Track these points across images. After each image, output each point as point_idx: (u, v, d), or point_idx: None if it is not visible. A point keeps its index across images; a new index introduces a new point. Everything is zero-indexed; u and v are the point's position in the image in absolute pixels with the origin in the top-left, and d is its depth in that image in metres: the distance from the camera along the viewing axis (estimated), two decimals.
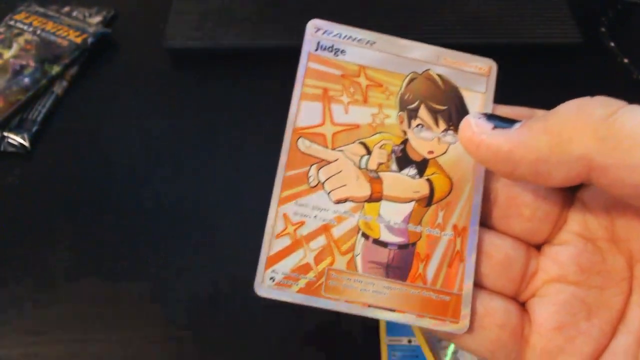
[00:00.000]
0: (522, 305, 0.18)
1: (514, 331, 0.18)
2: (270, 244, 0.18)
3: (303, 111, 0.19)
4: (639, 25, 0.48)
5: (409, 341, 0.29)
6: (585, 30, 0.44)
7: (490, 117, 0.17)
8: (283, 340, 0.30)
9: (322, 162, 0.19)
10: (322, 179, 0.19)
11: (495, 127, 0.16)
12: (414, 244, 0.19)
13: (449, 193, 0.19)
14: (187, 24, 0.45)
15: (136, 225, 0.35)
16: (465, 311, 0.18)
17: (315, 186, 0.18)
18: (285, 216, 0.18)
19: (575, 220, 0.18)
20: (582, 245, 0.18)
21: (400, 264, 0.18)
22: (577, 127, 0.14)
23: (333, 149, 0.19)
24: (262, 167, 0.39)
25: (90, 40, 0.44)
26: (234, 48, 0.44)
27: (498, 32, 0.45)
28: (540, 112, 0.18)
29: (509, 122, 0.16)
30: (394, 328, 0.30)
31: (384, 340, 0.30)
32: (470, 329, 0.18)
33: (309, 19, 0.20)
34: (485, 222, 0.19)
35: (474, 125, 0.17)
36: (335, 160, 0.19)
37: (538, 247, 0.19)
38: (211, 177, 0.37)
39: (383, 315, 0.18)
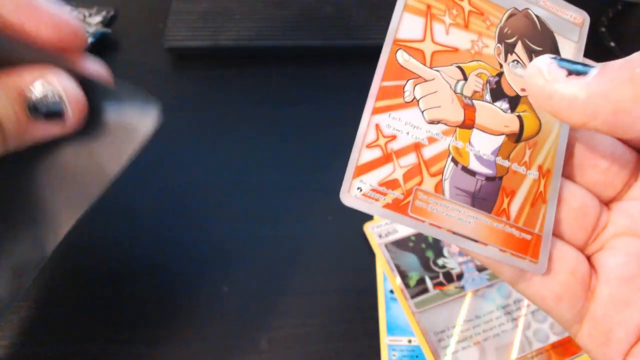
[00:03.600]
0: (588, 259, 0.18)
1: (583, 279, 0.17)
2: (360, 153, 0.17)
3: (405, 23, 0.18)
4: (639, 25, 0.48)
5: (409, 341, 0.29)
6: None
7: (563, 60, 0.16)
8: (283, 340, 0.30)
9: (419, 79, 0.18)
10: (418, 95, 0.18)
11: (569, 73, 0.15)
12: (500, 178, 0.18)
13: (537, 133, 0.19)
14: (187, 24, 0.45)
15: (136, 222, 0.35)
16: (545, 252, 0.18)
17: (410, 102, 0.18)
18: (377, 127, 0.18)
19: None
20: None
21: (486, 195, 0.18)
22: None
23: (431, 67, 0.18)
24: (262, 167, 0.39)
25: (90, 40, 0.44)
26: (234, 48, 0.44)
27: None
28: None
29: (584, 67, 0.15)
30: (394, 328, 0.30)
31: (384, 340, 0.30)
32: (546, 270, 0.18)
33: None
34: (562, 169, 0.19)
35: (546, 72, 0.15)
36: (433, 79, 0.18)
37: (607, 204, 0.19)
38: (211, 177, 0.37)
39: (466, 245, 0.18)
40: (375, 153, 0.18)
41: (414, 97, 0.18)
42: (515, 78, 0.19)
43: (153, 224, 0.35)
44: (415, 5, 0.19)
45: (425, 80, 0.18)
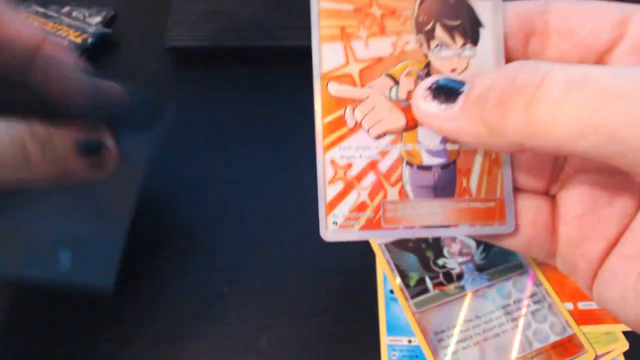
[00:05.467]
0: (553, 198, 0.20)
1: (545, 225, 0.19)
2: (325, 191, 0.19)
3: (325, 54, 0.19)
4: None
5: (409, 341, 0.29)
6: None
7: (438, 89, 0.17)
8: (283, 340, 0.30)
9: (355, 102, 0.19)
10: (359, 118, 0.19)
11: (441, 102, 0.17)
12: (454, 162, 0.19)
13: None
14: (187, 24, 0.45)
15: (135, 221, 0.35)
16: (510, 211, 0.19)
17: (354, 127, 0.19)
18: (332, 162, 0.19)
19: None
20: None
21: (445, 182, 0.19)
22: (506, 117, 0.15)
23: (362, 86, 0.19)
24: (263, 166, 0.39)
25: (90, 40, 0.44)
26: (234, 48, 0.44)
27: None
28: (554, 5, 0.18)
29: (455, 92, 0.17)
30: (394, 328, 0.30)
31: (384, 340, 0.30)
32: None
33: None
34: None
35: (422, 108, 0.18)
36: (367, 97, 0.19)
37: None
38: (210, 176, 0.37)
39: (439, 233, 0.19)
40: (338, 186, 0.19)
41: (356, 121, 0.19)
42: (443, 61, 0.19)
43: (152, 223, 0.35)
44: (330, 33, 0.19)
45: (361, 101, 0.19)
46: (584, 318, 0.30)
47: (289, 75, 0.44)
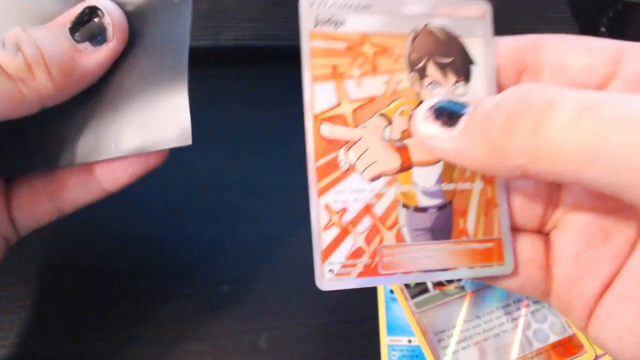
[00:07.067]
0: (547, 236, 0.19)
1: (540, 264, 0.19)
2: (320, 238, 0.18)
3: (317, 95, 0.18)
4: (639, 25, 0.48)
5: (409, 341, 0.29)
6: (585, 30, 0.44)
7: (440, 110, 0.17)
8: (283, 340, 0.30)
9: (349, 143, 0.18)
10: (353, 160, 0.18)
11: (442, 124, 0.16)
12: (450, 202, 0.19)
13: None
14: None
15: (135, 221, 0.35)
16: (508, 251, 0.19)
17: (348, 169, 0.18)
18: (327, 207, 0.18)
19: None
20: None
21: (442, 224, 0.19)
22: (511, 138, 0.14)
23: (355, 127, 0.18)
24: (263, 167, 0.39)
25: None
26: (234, 48, 0.44)
27: (498, 32, 0.45)
28: (547, 41, 0.18)
29: (457, 114, 0.16)
30: (394, 328, 0.30)
31: (384, 340, 0.30)
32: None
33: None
34: None
35: (421, 130, 0.17)
36: (360, 138, 0.18)
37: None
38: (210, 176, 0.37)
39: (439, 276, 0.19)
40: (333, 232, 0.18)
41: (350, 163, 0.18)
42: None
43: (152, 223, 0.35)
44: (322, 72, 0.18)
45: (355, 142, 0.18)
46: None
47: (289, 75, 0.44)
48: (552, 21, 0.45)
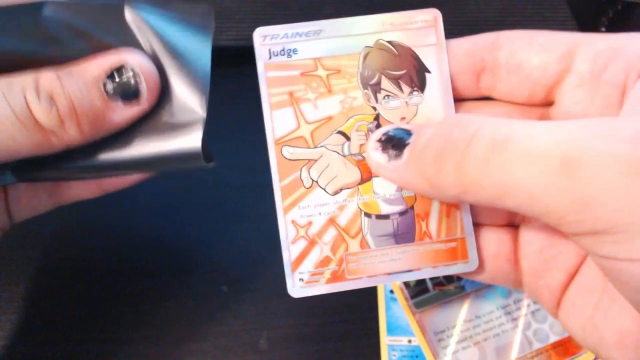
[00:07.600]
0: (517, 228, 0.20)
1: (507, 257, 0.20)
2: (289, 251, 0.20)
3: (277, 121, 0.20)
4: (639, 26, 0.48)
5: (409, 341, 0.29)
6: (585, 30, 0.44)
7: (387, 141, 0.18)
8: (282, 340, 0.30)
9: (310, 162, 0.20)
10: (315, 177, 0.20)
11: (390, 154, 0.18)
12: (412, 208, 0.20)
13: None
14: None
15: (135, 221, 0.35)
16: (472, 249, 0.20)
17: (310, 186, 0.20)
18: (293, 222, 0.20)
19: None
20: None
21: (405, 229, 0.20)
22: (441, 174, 0.16)
23: (315, 146, 0.20)
24: (263, 167, 0.39)
25: None
26: (234, 48, 0.44)
27: None
28: (502, 39, 0.19)
29: (402, 143, 0.17)
30: (394, 328, 0.30)
31: (384, 340, 0.30)
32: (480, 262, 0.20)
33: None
34: None
35: (372, 159, 0.18)
36: (321, 156, 0.20)
37: None
38: (211, 176, 0.37)
39: (404, 277, 0.20)
40: (301, 244, 0.20)
41: (312, 180, 0.20)
42: (391, 111, 0.20)
43: (153, 223, 0.35)
44: (279, 100, 0.20)
45: (315, 160, 0.20)
46: None
47: None
48: (552, 21, 0.45)
